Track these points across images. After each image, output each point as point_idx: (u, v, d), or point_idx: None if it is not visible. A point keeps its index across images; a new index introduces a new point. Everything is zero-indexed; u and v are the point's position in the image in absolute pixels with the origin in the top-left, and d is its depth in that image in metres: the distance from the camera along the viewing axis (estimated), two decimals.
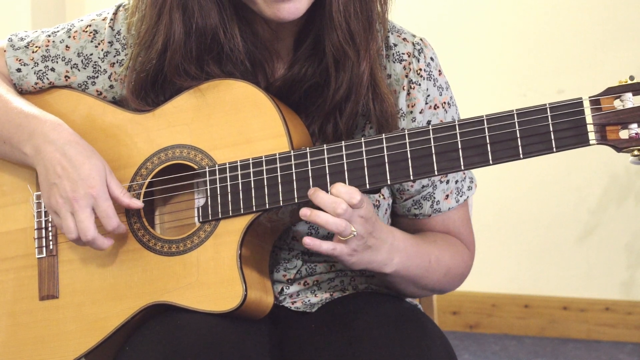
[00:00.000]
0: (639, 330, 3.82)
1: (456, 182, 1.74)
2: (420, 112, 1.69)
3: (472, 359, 3.70)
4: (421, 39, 1.72)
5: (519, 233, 3.91)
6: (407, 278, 1.65)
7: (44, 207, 1.72)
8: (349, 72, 1.62)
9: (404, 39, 1.71)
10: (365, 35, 1.63)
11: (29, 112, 1.69)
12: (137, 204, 1.64)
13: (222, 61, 1.65)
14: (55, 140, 1.64)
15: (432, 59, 1.71)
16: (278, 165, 1.58)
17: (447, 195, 1.73)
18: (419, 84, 1.69)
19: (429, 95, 1.69)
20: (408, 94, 1.69)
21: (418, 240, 1.68)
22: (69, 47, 1.75)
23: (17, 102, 1.72)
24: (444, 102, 1.71)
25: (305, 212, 1.51)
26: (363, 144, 1.53)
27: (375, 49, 1.65)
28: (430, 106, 1.69)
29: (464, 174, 1.75)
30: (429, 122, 1.70)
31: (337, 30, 1.61)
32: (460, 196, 1.75)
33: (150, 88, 1.68)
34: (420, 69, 1.69)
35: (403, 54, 1.69)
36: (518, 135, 1.46)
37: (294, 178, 1.57)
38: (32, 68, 1.77)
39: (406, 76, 1.69)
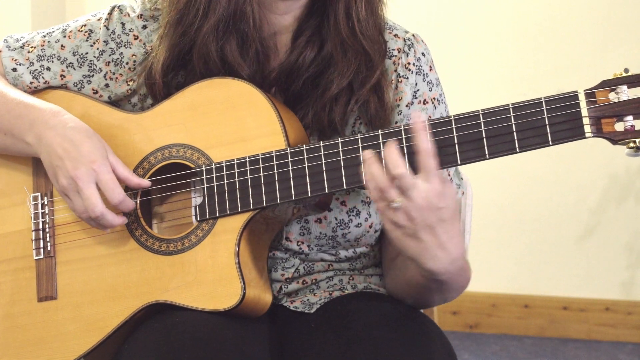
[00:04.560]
0: (639, 330, 3.82)
1: None
2: (407, 106, 1.69)
3: (472, 359, 3.70)
4: (413, 35, 1.73)
5: (519, 233, 3.91)
6: (445, 289, 1.61)
7: (41, 209, 1.72)
8: (357, 63, 1.64)
9: (395, 35, 1.72)
10: (381, 33, 1.66)
11: (28, 102, 1.70)
12: (146, 183, 1.65)
13: (236, 42, 1.66)
14: (56, 125, 1.65)
15: (423, 54, 1.72)
16: (275, 163, 1.58)
17: None
18: (407, 77, 1.69)
19: (417, 90, 1.70)
20: (396, 87, 1.69)
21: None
22: (64, 47, 1.76)
23: (14, 93, 1.73)
24: (433, 98, 1.71)
25: (367, 154, 1.49)
26: (359, 140, 1.53)
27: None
28: (420, 101, 1.70)
29: (449, 174, 1.74)
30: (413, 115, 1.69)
31: (349, 19, 1.63)
32: None
33: (175, 67, 1.68)
34: (409, 63, 1.69)
35: (393, 49, 1.70)
36: (514, 129, 1.46)
37: (291, 175, 1.57)
38: (28, 68, 1.77)
39: (395, 70, 1.69)
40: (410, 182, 1.44)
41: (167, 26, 1.67)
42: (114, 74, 1.74)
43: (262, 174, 1.58)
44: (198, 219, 1.62)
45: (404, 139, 1.51)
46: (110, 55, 1.74)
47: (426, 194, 1.44)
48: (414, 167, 1.47)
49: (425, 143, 1.45)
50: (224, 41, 1.64)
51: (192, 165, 1.63)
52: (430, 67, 1.72)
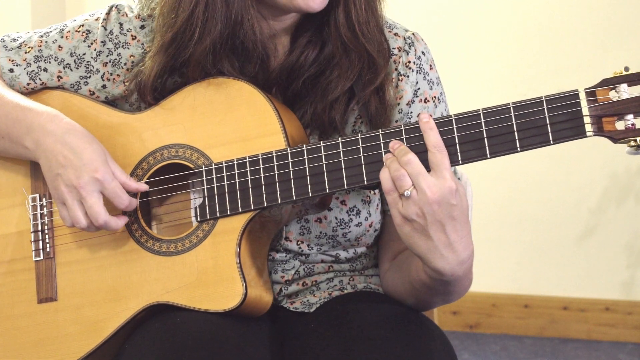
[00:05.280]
0: (639, 330, 3.82)
1: None
2: (407, 104, 1.69)
3: (472, 359, 3.70)
4: (413, 34, 1.72)
5: (519, 233, 3.91)
6: (449, 291, 1.60)
7: (40, 210, 1.72)
8: (360, 65, 1.64)
9: (395, 34, 1.72)
10: (383, 33, 1.66)
11: (25, 105, 1.69)
12: (143, 186, 1.64)
13: (236, 57, 1.65)
14: (54, 131, 1.64)
15: (423, 53, 1.71)
16: (275, 163, 1.57)
17: None
18: (407, 76, 1.69)
19: (418, 89, 1.69)
20: (396, 86, 1.69)
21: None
22: (61, 47, 1.75)
23: (11, 95, 1.72)
24: (434, 97, 1.71)
25: (394, 144, 1.50)
26: (360, 140, 1.53)
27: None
28: (421, 99, 1.69)
29: None
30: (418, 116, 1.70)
31: (349, 22, 1.63)
32: None
33: (166, 77, 1.67)
34: (410, 61, 1.69)
35: (394, 48, 1.70)
36: (515, 129, 1.46)
37: (292, 176, 1.56)
38: (25, 69, 1.76)
39: (396, 69, 1.69)
40: (419, 168, 1.45)
41: (160, 45, 1.66)
42: (111, 74, 1.73)
43: (262, 174, 1.58)
44: (198, 219, 1.62)
45: (404, 139, 1.51)
46: (107, 55, 1.73)
47: (438, 188, 1.45)
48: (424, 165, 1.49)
49: (433, 139, 1.46)
50: (221, 63, 1.64)
51: (192, 166, 1.63)
52: (431, 65, 1.72)
